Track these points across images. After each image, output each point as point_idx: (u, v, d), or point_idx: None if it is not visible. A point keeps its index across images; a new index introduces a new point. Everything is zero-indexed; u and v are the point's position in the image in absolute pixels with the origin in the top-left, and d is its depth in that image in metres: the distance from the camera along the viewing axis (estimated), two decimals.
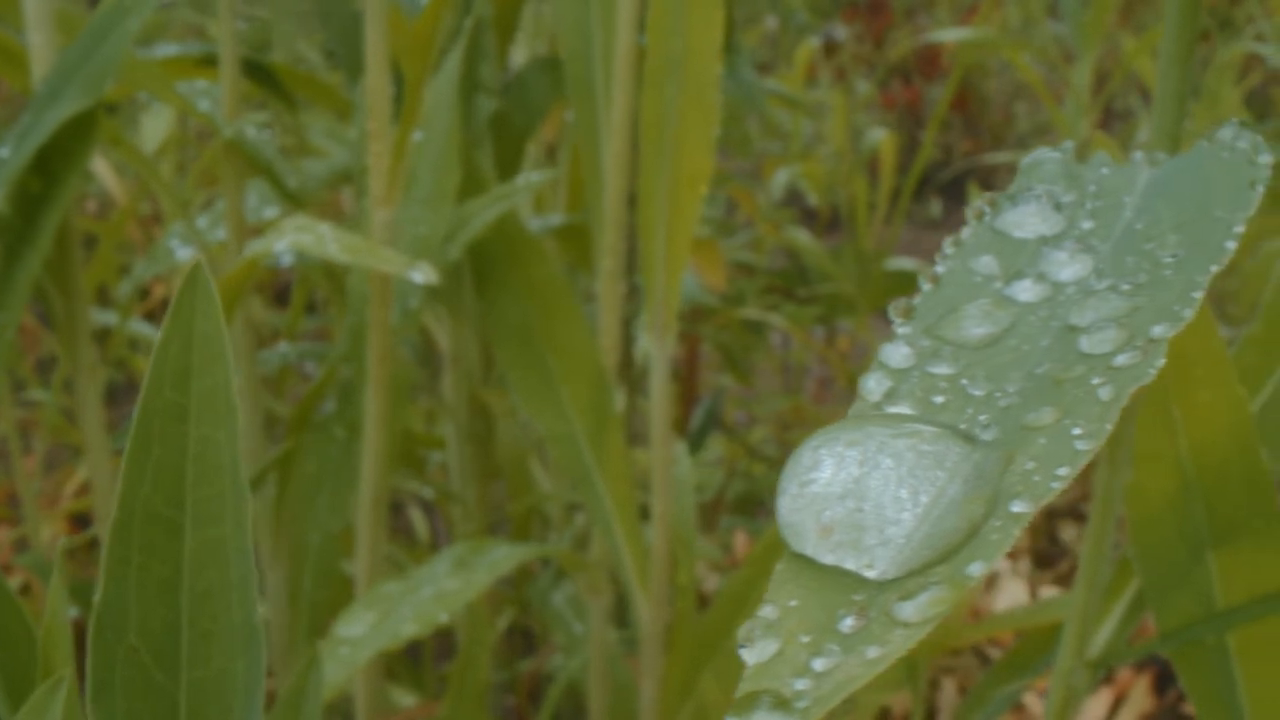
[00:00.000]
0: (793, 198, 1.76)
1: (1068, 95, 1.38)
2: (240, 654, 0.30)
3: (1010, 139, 2.49)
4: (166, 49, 0.95)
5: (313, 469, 0.90)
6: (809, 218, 1.76)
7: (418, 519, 1.30)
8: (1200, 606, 0.50)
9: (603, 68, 0.77)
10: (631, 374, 0.91)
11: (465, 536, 1.06)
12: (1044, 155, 0.29)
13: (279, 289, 1.69)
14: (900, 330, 0.23)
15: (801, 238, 1.38)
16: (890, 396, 0.22)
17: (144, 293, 1.77)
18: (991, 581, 1.29)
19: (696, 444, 1.43)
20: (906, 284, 1.45)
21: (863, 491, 0.20)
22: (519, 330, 0.78)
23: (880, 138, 1.50)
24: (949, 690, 1.18)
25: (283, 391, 1.21)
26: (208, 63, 0.89)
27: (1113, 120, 2.27)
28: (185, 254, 0.89)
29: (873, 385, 0.22)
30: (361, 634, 0.65)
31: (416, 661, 1.12)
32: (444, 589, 0.67)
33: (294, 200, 0.85)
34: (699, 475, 1.52)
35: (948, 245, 0.25)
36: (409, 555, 1.13)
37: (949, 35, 1.58)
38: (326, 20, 0.91)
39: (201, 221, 0.91)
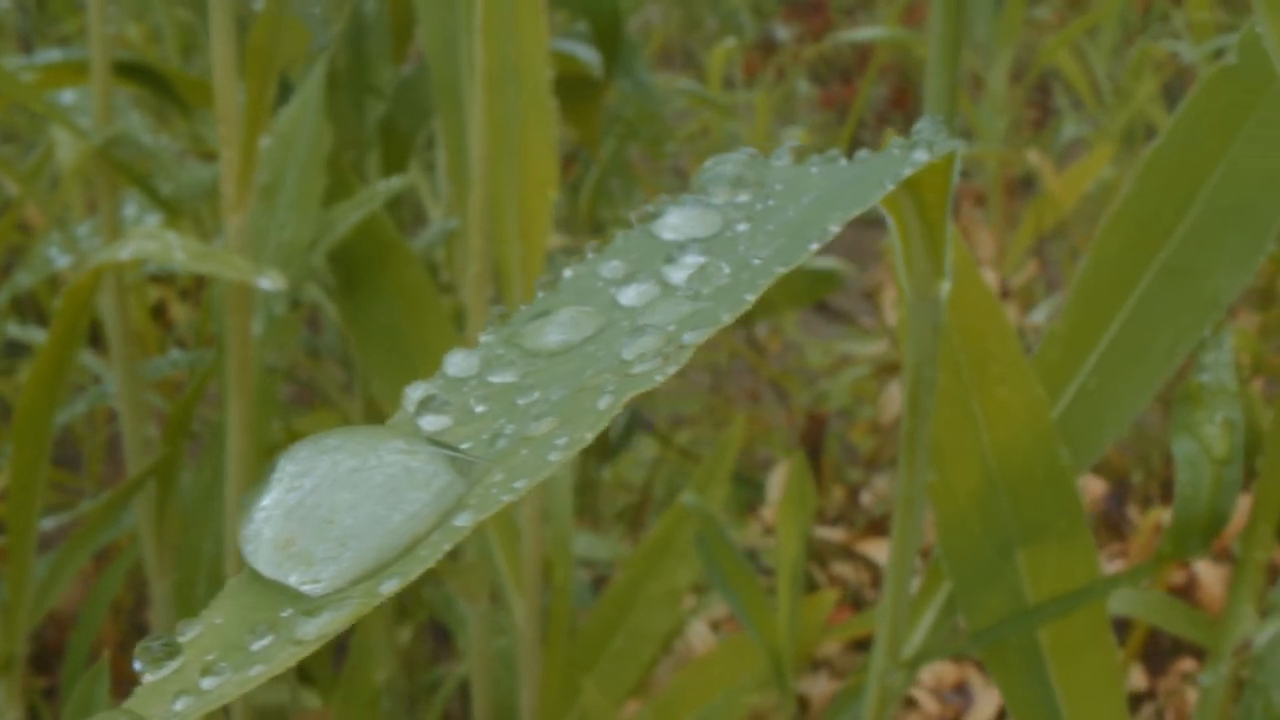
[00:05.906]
0: None
1: (984, 95, 1.39)
2: None
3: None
4: (49, 54, 0.94)
5: (207, 475, 0.90)
6: None
7: None
8: (1011, 606, 0.50)
9: (469, 72, 0.77)
10: None
11: None
12: (729, 156, 0.29)
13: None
14: (482, 338, 0.23)
15: None
16: (429, 405, 0.21)
17: None
18: None
19: (620, 446, 1.43)
20: (828, 282, 1.45)
21: (338, 504, 0.19)
22: (387, 334, 0.77)
23: (795, 135, 1.50)
24: None
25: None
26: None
27: (1049, 117, 2.29)
28: (64, 262, 0.88)
29: (416, 394, 0.22)
30: None
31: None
32: None
33: (169, 207, 0.84)
34: (630, 475, 1.52)
35: (590, 249, 0.25)
36: None
37: (864, 34, 1.59)
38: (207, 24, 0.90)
39: (83, 229, 0.91)
